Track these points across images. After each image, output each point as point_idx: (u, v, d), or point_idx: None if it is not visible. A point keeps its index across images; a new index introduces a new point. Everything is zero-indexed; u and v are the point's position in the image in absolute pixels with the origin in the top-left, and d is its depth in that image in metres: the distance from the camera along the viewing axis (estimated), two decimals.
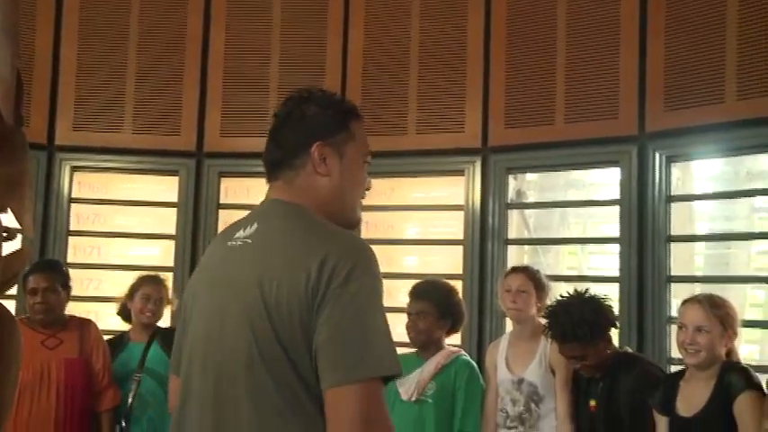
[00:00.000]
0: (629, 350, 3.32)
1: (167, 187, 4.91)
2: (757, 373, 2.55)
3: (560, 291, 3.27)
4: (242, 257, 1.53)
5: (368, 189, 1.72)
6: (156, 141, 4.84)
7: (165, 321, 3.92)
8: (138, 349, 3.69)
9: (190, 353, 1.59)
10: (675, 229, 4.03)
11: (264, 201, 1.68)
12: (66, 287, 3.62)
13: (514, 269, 3.48)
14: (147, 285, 3.75)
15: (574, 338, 2.83)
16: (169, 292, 3.85)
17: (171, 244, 4.84)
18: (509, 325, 3.52)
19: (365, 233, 4.62)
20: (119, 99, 4.86)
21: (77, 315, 3.75)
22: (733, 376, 2.50)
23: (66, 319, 3.60)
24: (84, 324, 3.63)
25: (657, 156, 4.00)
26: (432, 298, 3.23)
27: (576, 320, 2.81)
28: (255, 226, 1.57)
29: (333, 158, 1.62)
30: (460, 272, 4.40)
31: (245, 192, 4.93)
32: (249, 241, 1.55)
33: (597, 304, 2.89)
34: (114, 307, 3.87)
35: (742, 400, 2.41)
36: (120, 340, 3.79)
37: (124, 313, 3.82)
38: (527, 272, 3.35)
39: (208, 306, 1.57)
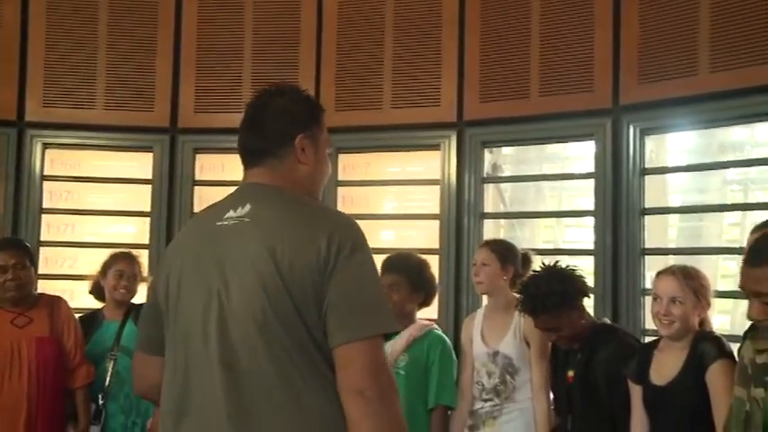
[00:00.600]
0: (608, 321, 3.36)
1: (141, 164, 4.86)
2: (729, 343, 2.59)
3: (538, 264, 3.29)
4: (243, 233, 1.66)
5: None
6: (128, 117, 4.77)
7: (139, 298, 3.89)
8: (112, 327, 3.67)
9: (187, 328, 1.68)
10: (649, 202, 4.07)
11: (245, 184, 1.79)
12: (33, 264, 3.58)
13: (483, 243, 3.50)
14: (121, 262, 3.71)
15: (543, 310, 2.86)
16: (143, 269, 3.82)
17: (146, 221, 4.80)
18: (485, 299, 3.54)
19: (341, 207, 4.61)
20: (90, 74, 4.78)
21: (48, 293, 3.71)
22: (706, 345, 2.54)
23: (35, 297, 3.55)
24: (55, 302, 3.58)
25: (632, 129, 4.02)
26: (404, 271, 3.24)
27: (545, 292, 2.85)
28: (248, 207, 1.70)
29: (310, 149, 1.81)
30: (437, 246, 4.41)
31: (219, 168, 4.89)
32: (247, 220, 1.68)
33: (565, 274, 2.93)
34: (88, 285, 3.84)
35: (714, 369, 2.45)
36: (93, 318, 3.75)
37: (97, 291, 3.78)
38: (490, 245, 3.37)
39: (204, 281, 1.67)
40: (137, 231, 4.86)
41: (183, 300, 1.70)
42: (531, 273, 3.04)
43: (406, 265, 3.29)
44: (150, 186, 4.79)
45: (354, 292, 1.60)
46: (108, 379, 3.57)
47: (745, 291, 1.85)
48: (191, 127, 4.81)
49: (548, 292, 2.85)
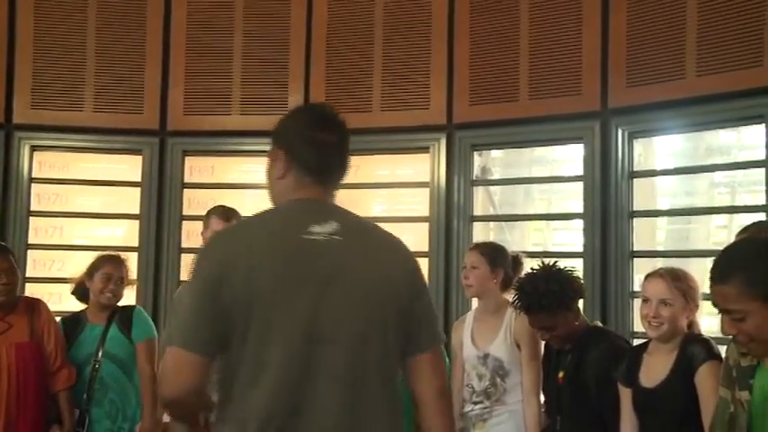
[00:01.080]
0: (600, 324, 3.38)
1: (130, 166, 4.84)
2: (717, 345, 2.60)
3: (527, 267, 3.30)
4: (341, 251, 1.77)
5: None
6: (117, 120, 4.76)
7: (124, 301, 3.84)
8: (96, 331, 3.61)
9: (287, 335, 1.70)
10: (638, 205, 4.09)
11: (315, 200, 1.86)
12: (18, 268, 3.56)
13: (472, 246, 3.51)
14: (108, 264, 3.65)
15: (540, 309, 2.88)
16: (130, 272, 3.79)
17: (135, 224, 4.78)
18: (475, 302, 3.55)
19: None
20: (79, 76, 4.76)
21: (28, 296, 3.67)
22: (695, 347, 2.55)
23: (15, 301, 3.49)
24: (35, 305, 3.53)
25: (620, 132, 4.05)
26: None
27: (543, 291, 2.87)
28: (335, 224, 1.80)
29: None
30: (426, 249, 4.42)
31: (209, 170, 4.88)
32: (339, 238, 1.78)
33: (563, 275, 2.95)
34: (71, 286, 3.77)
35: (703, 371, 2.46)
36: (76, 321, 3.68)
37: (80, 292, 3.71)
38: (480, 248, 3.38)
39: (305, 292, 1.72)
40: (126, 234, 4.84)
41: (280, 306, 1.70)
42: (529, 271, 3.05)
43: None
44: (139, 189, 4.78)
45: (431, 310, 1.94)
46: (92, 384, 3.53)
47: (717, 307, 1.86)
48: (180, 129, 4.80)
49: (545, 292, 2.86)
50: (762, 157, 3.67)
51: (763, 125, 3.63)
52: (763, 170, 3.65)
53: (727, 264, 1.79)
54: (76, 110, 4.75)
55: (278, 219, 1.83)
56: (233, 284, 1.69)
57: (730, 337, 1.99)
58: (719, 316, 1.85)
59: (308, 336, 1.70)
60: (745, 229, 2.21)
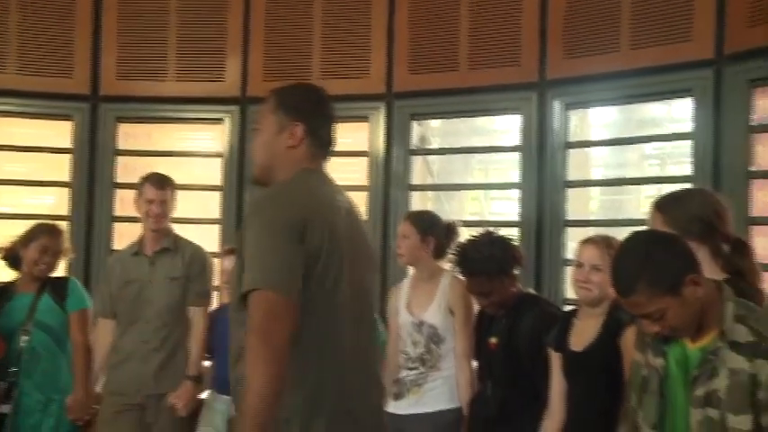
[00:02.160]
0: (532, 291, 3.44)
1: (60, 132, 4.70)
2: None
3: (464, 236, 3.34)
4: (356, 222, 2.05)
5: None
6: (45, 83, 4.60)
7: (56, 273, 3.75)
8: (25, 300, 3.51)
9: (357, 290, 1.94)
10: (572, 175, 4.17)
11: (322, 170, 2.05)
12: None
13: (405, 215, 3.54)
14: (46, 236, 3.54)
15: (481, 273, 2.93)
16: (66, 244, 3.69)
17: (65, 192, 4.65)
18: (411, 269, 3.57)
19: None
20: (2, 37, 4.57)
21: None
22: (621, 312, 2.61)
23: None
24: None
25: (556, 103, 4.10)
26: None
27: (486, 256, 2.93)
28: (344, 194, 2.05)
29: None
30: (365, 218, 4.42)
31: (145, 138, 4.77)
32: (350, 207, 2.03)
33: (505, 243, 3.03)
34: (1, 251, 3.65)
35: (628, 334, 2.54)
36: (5, 290, 3.57)
37: (12, 258, 3.58)
38: (411, 218, 3.41)
39: (357, 251, 1.97)
40: (56, 202, 4.71)
41: (348, 260, 1.90)
42: (471, 237, 3.10)
43: None
44: (70, 156, 4.64)
45: None
46: (21, 355, 3.43)
47: (635, 315, 1.93)
48: (113, 95, 4.67)
49: (488, 256, 2.93)
50: (689, 129, 3.78)
51: (691, 98, 3.74)
52: (689, 142, 3.76)
53: (626, 276, 1.84)
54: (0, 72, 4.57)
55: (318, 183, 1.99)
56: (316, 231, 1.82)
57: None
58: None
59: (359, 289, 1.95)
60: (661, 202, 2.28)
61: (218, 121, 4.64)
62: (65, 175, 4.66)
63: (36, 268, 3.52)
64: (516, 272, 3.05)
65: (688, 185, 3.58)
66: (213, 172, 4.66)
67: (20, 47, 4.58)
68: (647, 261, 1.82)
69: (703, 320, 1.88)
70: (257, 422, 1.65)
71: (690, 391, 1.89)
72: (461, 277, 3.07)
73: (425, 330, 3.24)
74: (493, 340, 3.01)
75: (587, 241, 2.80)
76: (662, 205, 2.26)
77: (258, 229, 1.80)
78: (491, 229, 3.11)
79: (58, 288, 3.57)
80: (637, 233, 2.01)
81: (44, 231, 3.57)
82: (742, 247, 2.24)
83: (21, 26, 4.57)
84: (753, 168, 3.55)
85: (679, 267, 1.83)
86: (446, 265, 3.26)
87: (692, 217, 2.18)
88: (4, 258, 3.63)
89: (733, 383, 1.81)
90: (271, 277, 1.74)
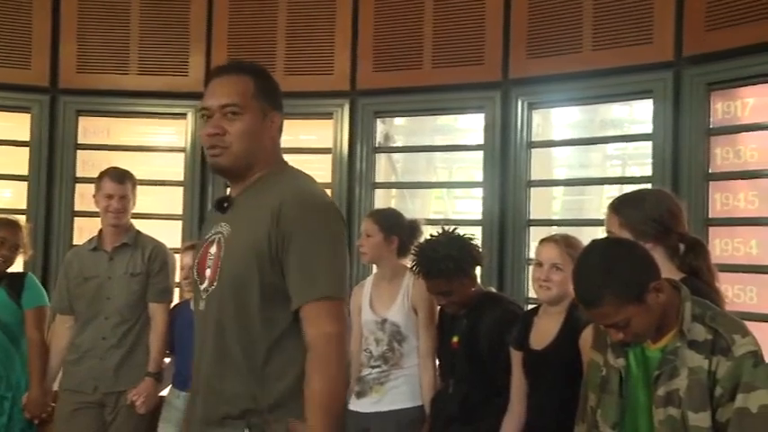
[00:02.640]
0: (493, 290, 3.46)
1: (17, 125, 4.60)
2: None
3: (426, 234, 3.35)
4: None
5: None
6: (2, 74, 4.49)
7: (15, 268, 3.69)
8: None
9: None
10: (535, 175, 4.21)
11: None
12: None
13: (368, 214, 3.54)
14: (3, 229, 3.50)
15: (439, 274, 2.92)
16: (26, 238, 3.62)
17: (23, 185, 4.56)
18: (374, 268, 3.58)
19: None
20: None
21: None
22: (580, 311, 2.66)
23: None
24: None
25: (520, 102, 4.13)
26: None
27: (442, 256, 2.91)
28: None
29: None
30: None
31: (104, 132, 4.69)
32: None
33: (463, 242, 3.01)
34: None
35: (586, 334, 2.57)
36: None
37: None
38: (374, 216, 3.41)
39: None
40: (13, 196, 4.62)
41: None
42: (429, 237, 3.09)
43: None
44: (28, 149, 4.55)
45: None
46: None
47: (600, 324, 1.95)
48: (73, 88, 4.59)
49: (445, 256, 2.91)
50: (649, 130, 3.83)
51: (651, 100, 3.79)
52: (650, 143, 3.81)
53: (591, 288, 1.86)
54: None
55: None
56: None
57: None
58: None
59: None
60: (618, 203, 2.31)
61: (181, 116, 4.59)
62: (23, 169, 4.56)
63: None
64: (475, 271, 3.06)
65: (648, 186, 3.64)
66: (176, 167, 4.60)
67: None
68: (611, 272, 1.84)
69: (663, 321, 1.91)
70: (334, 421, 1.73)
71: (652, 391, 1.92)
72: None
73: (388, 328, 3.25)
74: (454, 339, 3.02)
75: (547, 240, 2.82)
76: (617, 207, 2.29)
77: (328, 239, 1.84)
78: (449, 228, 3.09)
79: (15, 283, 3.51)
80: (596, 243, 2.03)
81: (1, 225, 3.50)
82: (698, 247, 2.29)
83: None
84: (711, 170, 3.61)
85: (643, 276, 1.86)
86: (408, 263, 3.26)
87: (647, 218, 2.22)
88: None
89: (692, 382, 1.85)
90: (342, 288, 1.85)
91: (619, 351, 2.00)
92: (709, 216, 3.58)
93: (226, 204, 1.96)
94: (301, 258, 1.78)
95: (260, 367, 1.80)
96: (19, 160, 4.58)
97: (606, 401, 2.01)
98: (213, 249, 1.89)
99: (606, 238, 2.19)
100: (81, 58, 4.58)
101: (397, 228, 3.33)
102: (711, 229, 3.56)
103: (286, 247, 1.79)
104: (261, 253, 1.80)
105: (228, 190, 2.12)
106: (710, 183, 3.60)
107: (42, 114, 4.54)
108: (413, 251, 3.11)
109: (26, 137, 4.56)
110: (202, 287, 1.90)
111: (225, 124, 1.87)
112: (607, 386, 2.01)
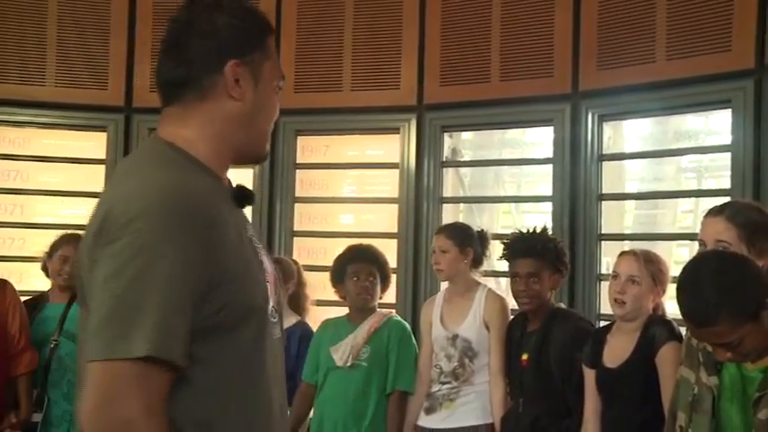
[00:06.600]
0: (563, 306, 3.39)
1: (96, 144, 4.75)
2: (681, 327, 2.62)
3: (496, 250, 3.33)
4: None
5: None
6: (81, 95, 4.66)
7: None
8: (56, 310, 3.53)
9: None
10: (606, 188, 4.11)
11: (146, 141, 1.52)
12: None
13: (439, 229, 3.51)
14: (67, 246, 3.56)
15: (533, 252, 2.96)
16: None
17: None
18: (444, 284, 3.54)
19: (300, 191, 4.58)
20: (40, 50, 4.64)
21: None
22: (657, 328, 2.57)
23: None
24: (0, 285, 3.45)
25: (590, 115, 4.05)
26: (375, 262, 3.34)
27: (538, 237, 3.02)
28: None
29: (247, 81, 1.41)
30: (395, 231, 4.40)
31: None
32: None
33: (558, 242, 3.13)
34: (41, 263, 3.70)
35: (664, 352, 2.49)
36: (38, 301, 3.62)
37: (44, 269, 3.65)
38: (446, 231, 3.38)
39: None
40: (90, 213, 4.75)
41: None
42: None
43: (375, 255, 3.33)
44: (104, 167, 4.69)
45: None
46: (49, 365, 3.45)
47: (709, 344, 1.85)
48: (146, 107, 4.70)
49: (544, 239, 3.03)
50: (728, 141, 3.70)
51: (730, 110, 3.66)
52: (728, 155, 3.68)
53: (706, 306, 1.75)
54: (38, 84, 4.63)
55: None
56: None
57: None
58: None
59: None
60: (714, 211, 2.20)
61: None
62: (100, 187, 4.70)
63: (59, 278, 3.55)
64: (560, 277, 3.06)
65: (727, 199, 3.50)
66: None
67: (57, 60, 4.63)
68: (729, 290, 1.74)
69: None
70: None
71: (751, 413, 1.82)
72: (499, 285, 3.06)
73: (459, 344, 3.21)
74: (524, 357, 2.96)
75: (626, 253, 2.77)
76: (726, 213, 2.12)
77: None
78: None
79: None
80: (706, 256, 1.92)
81: (65, 241, 3.59)
82: None
83: (59, 40, 4.62)
84: None
85: (759, 293, 1.76)
86: (480, 277, 3.24)
87: (758, 227, 2.09)
88: (43, 269, 3.67)
89: None
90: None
91: (712, 369, 1.90)
92: None
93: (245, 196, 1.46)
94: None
95: None
96: (95, 178, 4.70)
97: (698, 421, 1.92)
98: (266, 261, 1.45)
99: (715, 250, 2.05)
100: (153, 78, 4.69)
101: (470, 240, 3.31)
102: None
103: None
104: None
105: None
106: None
107: (117, 133, 4.68)
108: (505, 242, 3.14)
109: (103, 155, 4.70)
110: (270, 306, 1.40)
111: None
112: (699, 405, 1.92)
